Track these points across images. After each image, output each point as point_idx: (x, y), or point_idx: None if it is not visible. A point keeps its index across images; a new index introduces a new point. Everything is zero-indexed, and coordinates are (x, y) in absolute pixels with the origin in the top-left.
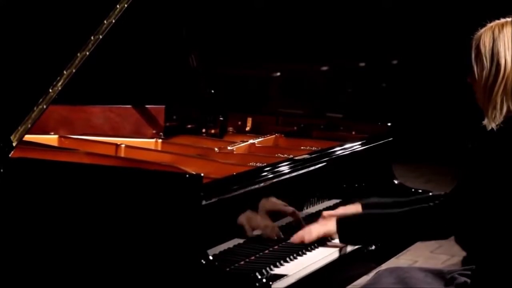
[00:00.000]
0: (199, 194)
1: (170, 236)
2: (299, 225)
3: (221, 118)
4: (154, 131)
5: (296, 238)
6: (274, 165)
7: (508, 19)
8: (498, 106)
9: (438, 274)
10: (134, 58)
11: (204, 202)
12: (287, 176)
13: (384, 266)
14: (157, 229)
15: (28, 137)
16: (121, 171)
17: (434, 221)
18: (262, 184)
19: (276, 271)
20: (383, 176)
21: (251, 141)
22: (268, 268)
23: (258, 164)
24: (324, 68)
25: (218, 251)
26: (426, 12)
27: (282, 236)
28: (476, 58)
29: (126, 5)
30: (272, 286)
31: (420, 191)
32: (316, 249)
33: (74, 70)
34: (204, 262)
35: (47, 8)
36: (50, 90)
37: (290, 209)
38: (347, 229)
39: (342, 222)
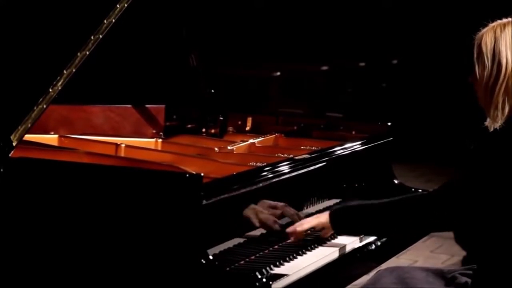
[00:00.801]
0: (199, 194)
1: (170, 236)
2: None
3: (221, 118)
4: (154, 131)
5: (289, 229)
6: (274, 165)
7: (510, 19)
8: (500, 106)
9: (438, 274)
10: (134, 58)
11: (204, 202)
12: (287, 175)
13: (384, 265)
14: (157, 229)
15: (28, 137)
16: (121, 171)
17: (429, 209)
18: (262, 184)
19: (276, 270)
20: (383, 176)
21: (251, 140)
22: (268, 268)
23: (258, 164)
24: (324, 68)
25: (218, 251)
26: (426, 12)
27: (282, 228)
28: (477, 58)
29: (126, 5)
30: (272, 285)
31: (420, 191)
32: (316, 249)
33: (74, 70)
34: (204, 262)
35: (47, 8)
36: (50, 90)
37: (280, 204)
38: (341, 218)
39: (335, 212)
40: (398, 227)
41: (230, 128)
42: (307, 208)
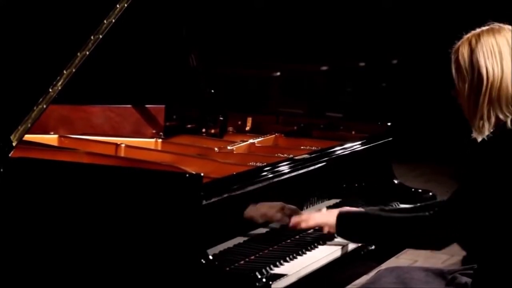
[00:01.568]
0: (199, 194)
1: (170, 236)
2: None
3: (221, 118)
4: (154, 131)
5: (293, 221)
6: (274, 165)
7: (484, 28)
8: (485, 117)
9: (439, 273)
10: (134, 58)
11: (204, 202)
12: (287, 175)
13: (384, 265)
14: (157, 229)
15: (28, 137)
16: (121, 171)
17: (429, 233)
18: (262, 184)
19: (276, 270)
20: (383, 175)
21: (251, 140)
22: (268, 268)
23: (258, 164)
24: (324, 67)
25: (218, 251)
26: (425, 12)
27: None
28: (456, 72)
29: (126, 5)
30: (272, 285)
31: (420, 190)
32: (316, 249)
33: (74, 70)
34: (204, 262)
35: (47, 8)
36: (50, 90)
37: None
38: (346, 224)
39: (342, 216)
40: (400, 245)
41: (230, 128)
42: (307, 208)
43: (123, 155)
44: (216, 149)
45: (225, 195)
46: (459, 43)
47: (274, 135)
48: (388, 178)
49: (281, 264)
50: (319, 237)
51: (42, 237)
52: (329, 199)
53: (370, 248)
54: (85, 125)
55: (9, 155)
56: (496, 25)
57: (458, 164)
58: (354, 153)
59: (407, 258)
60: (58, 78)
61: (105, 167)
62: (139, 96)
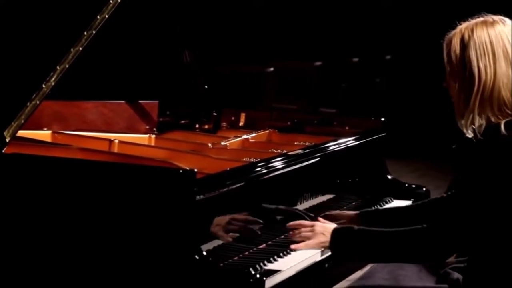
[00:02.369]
0: (192, 190)
1: (164, 232)
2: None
3: (214, 114)
4: (147, 127)
5: (293, 246)
6: (268, 161)
7: (478, 20)
8: (476, 116)
9: (432, 269)
10: (128, 54)
11: (197, 198)
12: (281, 171)
13: None
14: (151, 225)
15: (21, 133)
16: (115, 167)
17: (425, 248)
18: (255, 180)
19: (270, 266)
20: (377, 171)
21: (244, 136)
22: (261, 264)
23: (252, 160)
24: (318, 63)
25: (212, 247)
26: (419, 7)
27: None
28: (448, 65)
29: (119, 0)
30: (266, 281)
31: (413, 186)
32: None
33: (67, 66)
34: (198, 258)
35: (40, 4)
36: (44, 86)
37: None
38: (341, 242)
39: (336, 233)
40: (397, 260)
41: (224, 124)
42: (300, 203)
43: (116, 151)
44: (209, 144)
45: (219, 191)
46: (452, 34)
47: (267, 131)
48: (382, 174)
49: (275, 260)
50: None
51: (36, 232)
52: (323, 194)
53: None
54: (79, 121)
55: (3, 151)
56: (489, 17)
57: (451, 161)
58: (348, 149)
59: None
60: (52, 74)
61: (99, 163)
62: (132, 92)
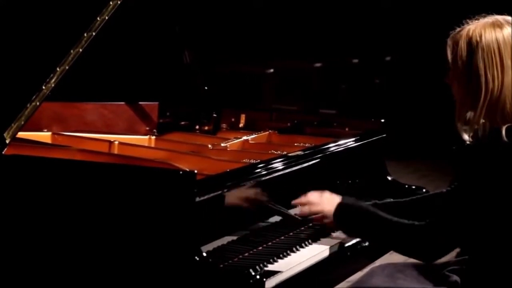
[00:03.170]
0: (192, 191)
1: (163, 233)
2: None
3: (214, 115)
4: (147, 128)
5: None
6: (268, 162)
7: (487, 21)
8: (481, 123)
9: (431, 270)
10: (127, 55)
11: (197, 199)
12: (281, 172)
13: (378, 262)
14: (151, 226)
15: (21, 134)
16: (115, 168)
17: (421, 244)
18: (255, 181)
19: (270, 267)
20: (377, 172)
21: (244, 137)
22: (261, 265)
23: (252, 161)
24: (318, 64)
25: (212, 248)
26: (418, 8)
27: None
28: (453, 66)
29: (119, 2)
30: (266, 282)
31: (413, 187)
32: (310, 246)
33: (67, 67)
34: (197, 259)
35: (40, 5)
36: (43, 87)
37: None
38: (343, 215)
39: (341, 206)
40: (392, 249)
41: (224, 125)
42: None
43: (116, 152)
44: (209, 146)
45: (219, 192)
46: (459, 35)
47: (267, 132)
48: (382, 175)
49: (275, 261)
50: (313, 234)
51: (37, 234)
52: None
53: (364, 244)
54: (79, 122)
55: (2, 152)
56: (498, 19)
57: (451, 162)
58: (348, 150)
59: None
60: (52, 75)
61: (99, 164)
62: (132, 93)
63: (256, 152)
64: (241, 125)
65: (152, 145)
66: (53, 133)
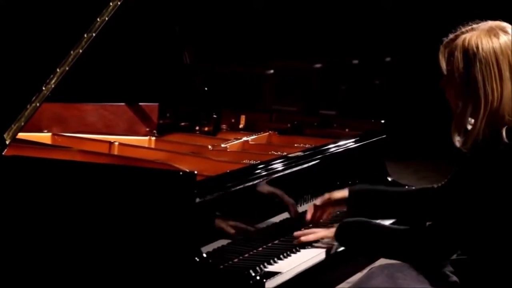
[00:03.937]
0: (192, 192)
1: (164, 234)
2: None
3: (214, 116)
4: (147, 129)
5: (297, 233)
6: (268, 163)
7: (483, 28)
8: (481, 131)
9: (430, 271)
10: (127, 56)
11: (197, 200)
12: (281, 173)
13: (378, 262)
14: (151, 227)
15: (21, 135)
16: (115, 169)
17: (422, 251)
18: (255, 182)
19: (270, 268)
20: (377, 173)
21: (244, 138)
22: (262, 266)
23: (252, 162)
24: (318, 65)
25: (212, 249)
26: (419, 8)
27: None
28: (448, 74)
29: (119, 2)
30: (266, 283)
31: (413, 188)
32: (310, 247)
33: (67, 68)
34: (198, 260)
35: (40, 6)
36: (44, 88)
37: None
38: (345, 232)
39: (342, 225)
40: (392, 257)
41: (224, 126)
42: (300, 205)
43: (116, 153)
44: (209, 147)
45: (219, 193)
46: (454, 44)
47: (267, 133)
48: (382, 175)
49: (275, 262)
50: None
51: (37, 235)
52: None
53: None
54: (79, 123)
55: (3, 153)
56: (492, 26)
57: (451, 162)
58: (348, 151)
59: None
60: (52, 76)
61: (99, 165)
62: (132, 94)
63: (256, 153)
64: (241, 126)
65: (152, 146)
66: (53, 134)
